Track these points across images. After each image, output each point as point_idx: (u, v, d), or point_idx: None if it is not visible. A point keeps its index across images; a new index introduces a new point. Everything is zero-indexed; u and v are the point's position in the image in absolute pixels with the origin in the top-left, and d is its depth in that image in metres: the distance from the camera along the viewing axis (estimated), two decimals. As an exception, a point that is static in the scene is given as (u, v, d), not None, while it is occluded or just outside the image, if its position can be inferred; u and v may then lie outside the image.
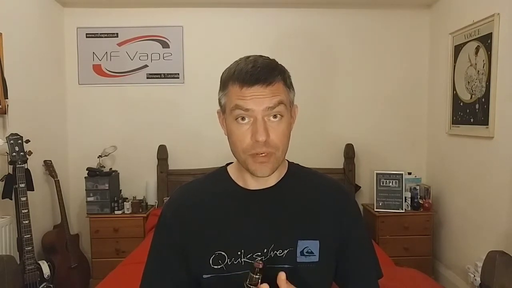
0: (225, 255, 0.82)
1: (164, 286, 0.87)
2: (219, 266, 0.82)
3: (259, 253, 0.82)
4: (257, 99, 0.77)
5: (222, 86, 0.83)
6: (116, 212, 2.92)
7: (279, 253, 0.82)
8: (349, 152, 3.15)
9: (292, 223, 0.85)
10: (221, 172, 0.93)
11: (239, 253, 0.82)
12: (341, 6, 3.18)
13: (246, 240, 0.83)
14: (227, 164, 0.95)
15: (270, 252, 0.82)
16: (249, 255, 0.82)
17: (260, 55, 0.83)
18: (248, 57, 0.82)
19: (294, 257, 0.83)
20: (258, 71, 0.77)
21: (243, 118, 0.78)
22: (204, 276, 0.83)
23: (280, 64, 0.84)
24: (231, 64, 0.83)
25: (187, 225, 0.87)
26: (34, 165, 2.54)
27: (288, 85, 0.83)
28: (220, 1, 3.12)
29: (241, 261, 0.82)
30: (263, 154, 0.78)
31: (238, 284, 0.82)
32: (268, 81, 0.77)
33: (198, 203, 0.89)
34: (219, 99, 0.84)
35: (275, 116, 0.79)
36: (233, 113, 0.79)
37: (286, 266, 0.82)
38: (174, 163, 3.18)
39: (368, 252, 0.93)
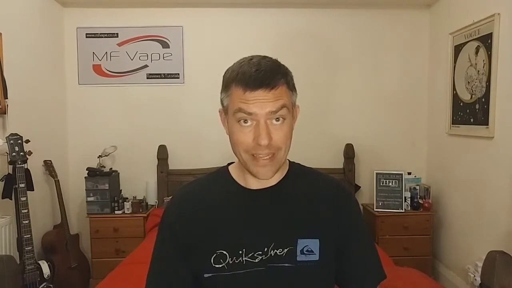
0: (227, 254, 0.83)
1: (168, 286, 0.87)
2: (220, 265, 0.83)
3: (260, 252, 0.83)
4: (260, 103, 0.77)
5: (225, 87, 0.82)
6: (116, 212, 2.92)
7: (279, 252, 0.83)
8: (349, 152, 3.15)
9: (292, 221, 0.86)
10: (223, 171, 0.93)
11: (240, 252, 0.83)
12: (341, 6, 3.18)
13: (247, 239, 0.84)
14: (229, 164, 0.95)
15: (270, 251, 0.83)
16: (250, 254, 0.83)
17: (263, 56, 0.82)
18: (251, 58, 0.81)
19: (294, 255, 0.83)
20: (262, 75, 0.76)
21: (245, 121, 0.79)
22: (205, 275, 0.83)
23: (283, 65, 0.83)
24: (233, 64, 0.82)
25: (190, 225, 0.87)
26: (34, 165, 2.53)
27: (291, 87, 0.83)
28: (220, 1, 3.12)
29: (243, 260, 0.82)
30: (265, 158, 0.79)
31: (239, 283, 0.82)
32: (272, 85, 0.77)
33: (200, 203, 0.89)
34: (221, 100, 0.84)
35: (277, 119, 0.79)
36: (236, 116, 0.79)
37: (287, 264, 0.83)
38: (174, 163, 3.18)
39: (370, 253, 0.93)
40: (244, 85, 0.77)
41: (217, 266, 0.83)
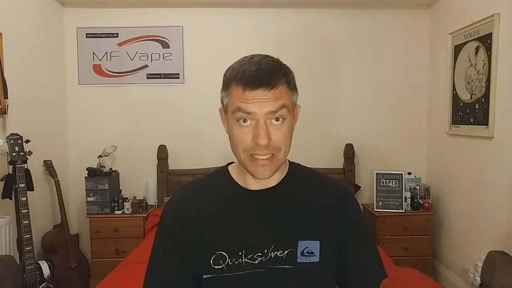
0: (226, 255, 0.82)
1: (166, 286, 0.87)
2: (219, 266, 0.82)
3: (260, 253, 0.82)
4: (260, 102, 0.76)
5: (225, 86, 0.82)
6: (116, 212, 2.92)
7: (279, 254, 0.82)
8: (349, 152, 3.15)
9: (293, 223, 0.85)
10: (222, 172, 0.92)
11: (240, 253, 0.82)
12: (341, 6, 3.18)
13: (247, 241, 0.83)
14: (228, 164, 0.94)
15: (270, 253, 0.82)
16: (250, 256, 0.82)
17: (264, 56, 0.81)
18: (252, 57, 0.80)
19: (295, 257, 0.83)
20: (262, 74, 0.76)
21: (244, 120, 0.78)
22: (205, 276, 0.83)
23: (285, 65, 0.82)
24: (234, 63, 0.81)
25: (189, 225, 0.86)
26: (34, 165, 2.54)
27: (292, 87, 0.82)
28: (220, 1, 3.12)
29: (242, 261, 0.82)
30: (263, 158, 0.78)
31: (238, 284, 0.82)
32: (271, 85, 0.76)
33: (200, 204, 0.88)
34: (222, 98, 0.84)
35: (277, 119, 0.78)
36: (235, 115, 0.78)
37: (287, 266, 0.82)
38: (174, 163, 3.18)
39: (371, 252, 0.92)
40: (243, 84, 0.76)
41: (216, 267, 0.82)
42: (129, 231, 2.87)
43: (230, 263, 0.82)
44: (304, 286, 0.83)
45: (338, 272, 0.90)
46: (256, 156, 0.79)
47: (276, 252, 0.82)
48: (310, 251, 0.83)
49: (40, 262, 2.36)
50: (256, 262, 0.82)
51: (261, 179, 0.81)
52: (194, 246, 0.85)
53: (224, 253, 0.82)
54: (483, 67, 2.44)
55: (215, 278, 0.82)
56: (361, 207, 3.16)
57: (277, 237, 0.83)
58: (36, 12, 2.75)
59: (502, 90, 2.27)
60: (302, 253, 0.83)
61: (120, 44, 3.17)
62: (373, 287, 0.91)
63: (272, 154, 0.79)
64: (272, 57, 0.82)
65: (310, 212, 0.87)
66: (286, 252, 0.82)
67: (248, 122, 0.78)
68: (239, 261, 0.82)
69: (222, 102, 0.84)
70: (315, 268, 0.83)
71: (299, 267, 0.82)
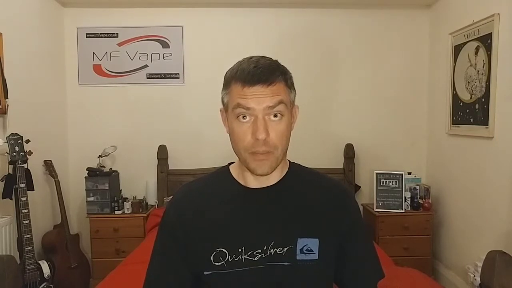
0: (226, 252, 0.84)
1: (167, 284, 0.88)
2: (219, 263, 0.84)
3: (259, 250, 0.83)
4: (258, 98, 0.79)
5: (225, 85, 0.85)
6: (116, 212, 2.92)
7: (279, 251, 0.84)
8: (349, 152, 3.15)
9: (292, 221, 0.86)
10: (223, 171, 0.94)
11: (239, 250, 0.84)
12: (341, 6, 3.19)
13: (247, 238, 0.84)
14: (229, 164, 0.96)
15: (270, 250, 0.84)
16: (249, 252, 0.83)
17: (262, 56, 0.85)
18: (251, 57, 0.84)
19: (294, 254, 0.84)
20: (260, 71, 0.79)
21: (244, 117, 0.80)
22: (205, 272, 0.84)
23: (282, 65, 0.86)
24: (234, 64, 0.85)
25: (190, 224, 0.88)
26: (34, 165, 2.54)
27: (289, 85, 0.85)
28: (220, 1, 3.12)
29: (242, 258, 0.83)
30: (262, 153, 0.80)
31: (238, 280, 0.83)
32: (269, 81, 0.79)
33: (201, 202, 0.90)
34: (222, 98, 0.86)
35: (275, 115, 0.80)
36: (235, 112, 0.81)
37: (286, 263, 0.83)
38: (174, 163, 3.18)
39: (369, 252, 0.94)
40: (242, 81, 0.79)
41: (216, 263, 0.84)
42: (129, 231, 2.87)
43: (230, 260, 0.83)
44: (303, 283, 0.85)
45: (337, 271, 0.91)
46: (255, 152, 0.80)
47: (275, 249, 0.84)
48: (309, 248, 0.85)
49: (40, 262, 2.37)
50: (255, 259, 0.83)
51: (261, 174, 0.83)
52: (194, 243, 0.86)
53: (224, 250, 0.84)
54: (483, 67, 2.44)
55: (215, 274, 0.84)
56: (361, 207, 3.16)
57: (277, 234, 0.85)
58: (36, 12, 2.75)
59: (502, 90, 2.27)
60: (301, 251, 0.84)
61: (120, 44, 3.17)
62: (370, 287, 0.92)
63: (270, 152, 0.81)
64: (271, 58, 0.86)
65: (310, 210, 0.88)
66: (285, 249, 0.84)
67: (248, 118, 0.80)
68: (239, 258, 0.83)
69: (222, 101, 0.87)
70: (314, 266, 0.84)
71: (298, 264, 0.84)
